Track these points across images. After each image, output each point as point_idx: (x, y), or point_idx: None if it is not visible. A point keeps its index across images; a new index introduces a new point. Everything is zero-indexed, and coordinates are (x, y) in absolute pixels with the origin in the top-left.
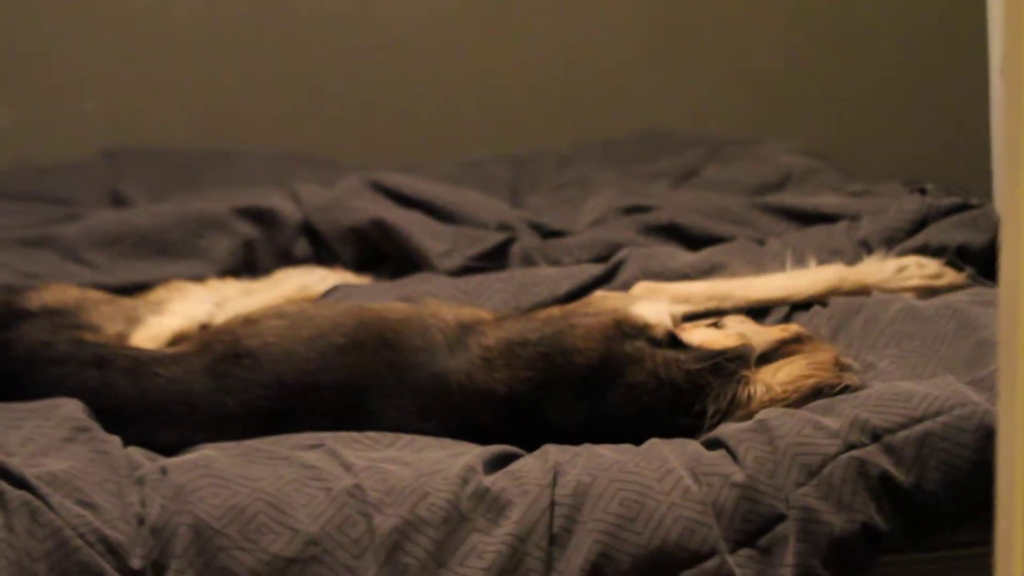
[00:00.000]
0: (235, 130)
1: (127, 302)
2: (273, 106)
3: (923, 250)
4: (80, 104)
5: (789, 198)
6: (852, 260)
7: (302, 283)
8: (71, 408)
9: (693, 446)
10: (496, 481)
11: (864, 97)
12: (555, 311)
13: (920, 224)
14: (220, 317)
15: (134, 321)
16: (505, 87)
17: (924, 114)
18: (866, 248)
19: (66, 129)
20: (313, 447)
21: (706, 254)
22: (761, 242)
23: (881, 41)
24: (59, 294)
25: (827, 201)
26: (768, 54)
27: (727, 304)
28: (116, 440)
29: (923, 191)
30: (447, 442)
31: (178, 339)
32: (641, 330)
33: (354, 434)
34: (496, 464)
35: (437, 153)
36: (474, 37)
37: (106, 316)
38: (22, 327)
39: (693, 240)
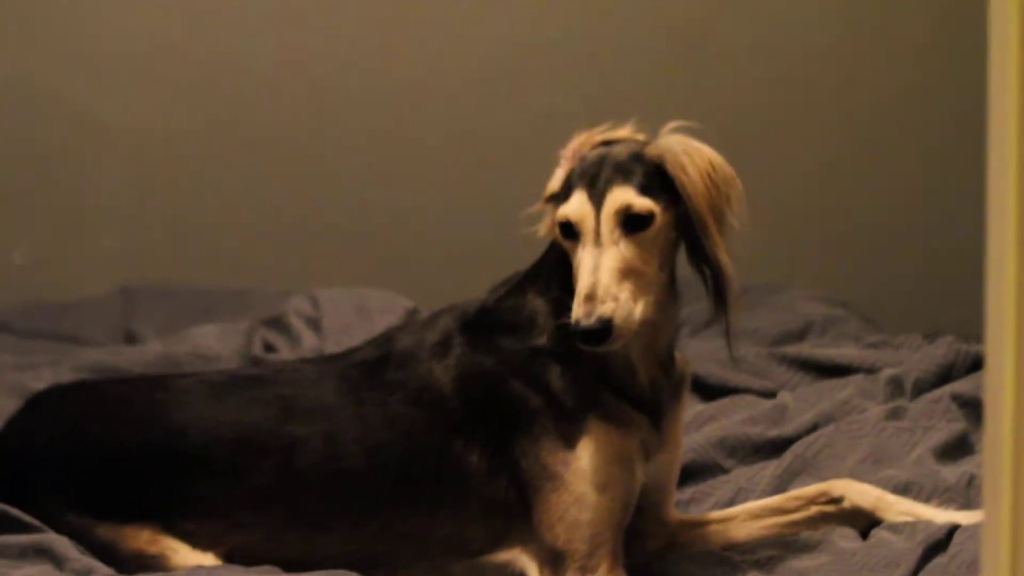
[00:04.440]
0: (251, 270)
1: None
2: (290, 247)
3: (954, 400)
4: (96, 241)
5: (807, 349)
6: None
7: None
8: None
9: None
10: None
11: (886, 245)
12: None
13: (947, 372)
14: None
15: None
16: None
17: (947, 264)
18: (894, 393)
19: (82, 266)
20: None
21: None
22: (773, 394)
23: (905, 192)
24: None
25: (845, 352)
26: (790, 201)
27: None
28: None
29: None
30: None
31: None
32: None
33: None
34: None
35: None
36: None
37: None
38: None
39: (710, 389)
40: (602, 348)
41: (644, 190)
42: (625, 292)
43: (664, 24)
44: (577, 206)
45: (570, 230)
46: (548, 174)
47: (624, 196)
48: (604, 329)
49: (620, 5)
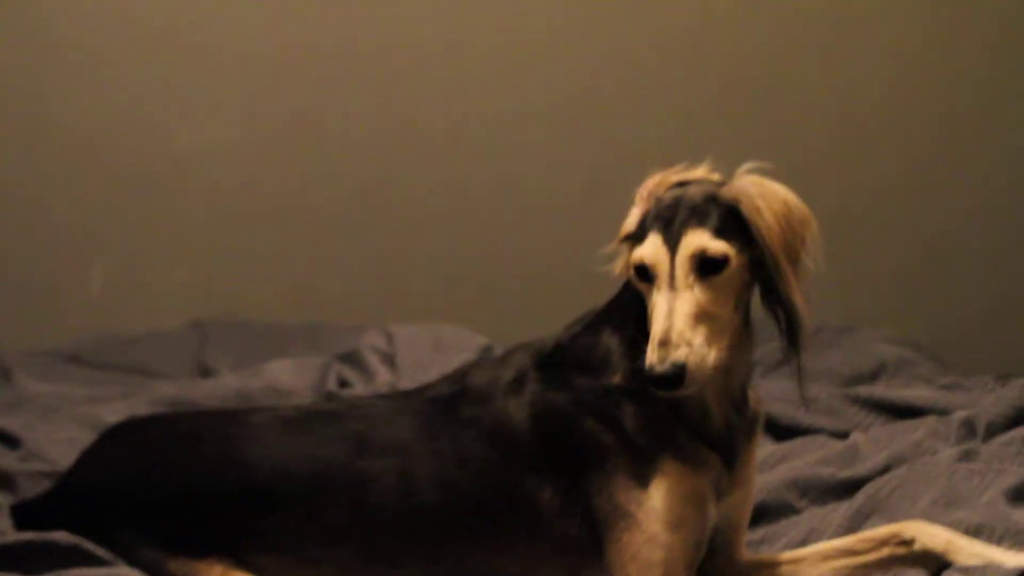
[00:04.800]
0: (326, 305)
1: None
2: (365, 281)
3: None
4: (170, 274)
5: (879, 390)
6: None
7: None
8: None
9: None
10: None
11: (959, 287)
12: None
13: (1019, 415)
14: None
15: None
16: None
17: (1020, 307)
18: (966, 435)
19: (155, 299)
20: None
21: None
22: (845, 435)
23: (978, 234)
24: None
25: (917, 394)
26: (863, 242)
27: None
28: None
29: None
30: None
31: None
32: None
33: None
34: None
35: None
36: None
37: None
38: None
39: (782, 429)
40: (676, 393)
41: (719, 233)
42: (699, 337)
43: (738, 65)
44: (652, 249)
45: (645, 272)
46: (624, 213)
47: (699, 240)
48: (678, 375)
49: (695, 48)
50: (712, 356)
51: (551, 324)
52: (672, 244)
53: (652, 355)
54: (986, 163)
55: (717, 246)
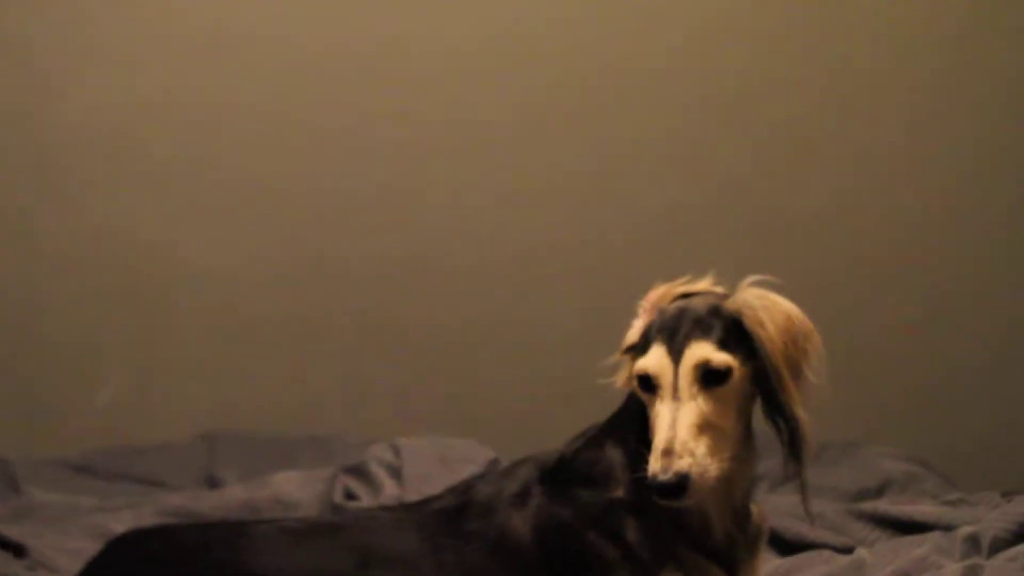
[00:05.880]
0: (333, 419)
1: None
2: (373, 396)
3: None
4: (179, 387)
5: (884, 505)
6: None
7: None
8: None
9: None
10: None
11: (965, 403)
12: None
13: None
14: None
15: None
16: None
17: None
18: (971, 551)
19: (164, 412)
20: None
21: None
22: (851, 550)
23: (984, 351)
24: None
25: (922, 510)
26: (869, 358)
27: None
28: None
29: None
30: None
31: None
32: None
33: None
34: None
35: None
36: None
37: None
38: None
39: (787, 544)
40: (678, 503)
41: (723, 345)
42: (702, 447)
43: (743, 186)
44: (656, 360)
45: (648, 383)
46: (626, 325)
47: (703, 351)
48: (681, 484)
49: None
50: (715, 466)
51: (557, 438)
52: (676, 355)
53: (655, 464)
54: (994, 287)
55: (721, 358)
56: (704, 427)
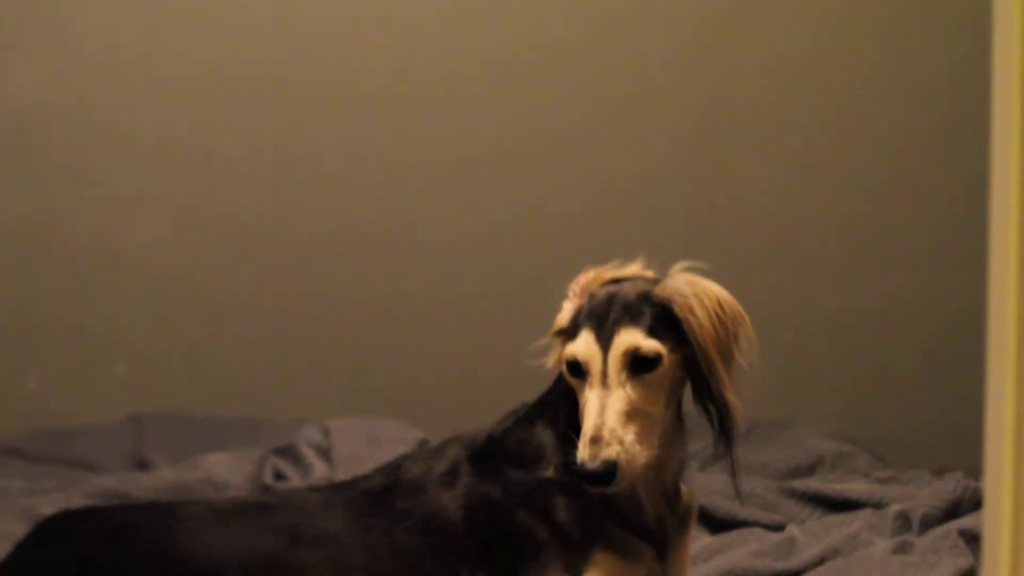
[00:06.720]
0: (263, 400)
1: None
2: (302, 377)
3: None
4: (108, 369)
5: (815, 483)
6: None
7: None
8: None
9: None
10: None
11: (896, 383)
12: None
13: (954, 508)
14: None
15: None
16: None
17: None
18: (902, 528)
19: (93, 394)
20: None
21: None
22: (781, 527)
23: (915, 331)
24: None
25: (853, 487)
26: (801, 338)
27: None
28: None
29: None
30: None
31: None
32: None
33: None
34: None
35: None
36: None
37: None
38: None
39: (718, 522)
40: (607, 490)
41: (652, 331)
42: (630, 434)
43: (674, 170)
44: (585, 346)
45: (577, 368)
46: (557, 307)
47: (632, 338)
48: (609, 472)
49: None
50: (643, 454)
51: (486, 418)
52: (605, 342)
53: (584, 452)
54: (927, 263)
55: (650, 345)
56: (633, 414)
